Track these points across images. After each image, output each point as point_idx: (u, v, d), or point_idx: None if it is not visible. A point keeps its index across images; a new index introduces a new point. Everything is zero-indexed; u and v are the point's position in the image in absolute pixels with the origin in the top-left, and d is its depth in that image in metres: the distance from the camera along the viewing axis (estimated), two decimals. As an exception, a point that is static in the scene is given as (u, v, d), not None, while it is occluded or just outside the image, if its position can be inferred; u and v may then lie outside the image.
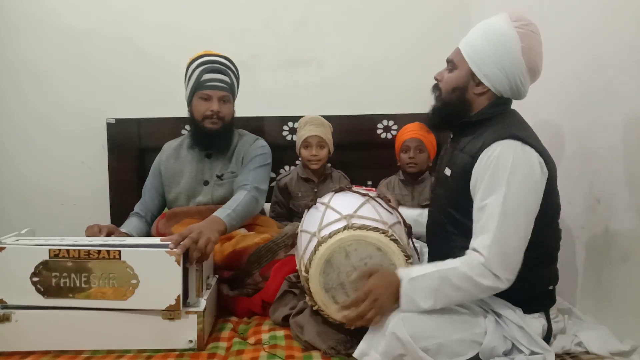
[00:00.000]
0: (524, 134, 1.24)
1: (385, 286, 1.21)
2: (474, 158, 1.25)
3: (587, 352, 1.29)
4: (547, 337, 1.30)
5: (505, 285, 1.18)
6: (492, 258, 1.15)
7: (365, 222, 1.33)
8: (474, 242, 1.20)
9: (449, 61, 1.37)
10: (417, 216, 1.64)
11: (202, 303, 1.40)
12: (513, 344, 1.25)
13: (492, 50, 1.27)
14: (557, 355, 1.25)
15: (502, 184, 1.18)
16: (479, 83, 1.31)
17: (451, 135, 1.45)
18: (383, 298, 1.19)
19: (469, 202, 1.26)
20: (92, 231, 1.64)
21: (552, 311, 1.34)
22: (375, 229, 1.31)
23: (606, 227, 1.45)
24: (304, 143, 2.12)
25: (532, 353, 1.22)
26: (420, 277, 1.20)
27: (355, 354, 1.21)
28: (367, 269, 1.27)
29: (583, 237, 1.55)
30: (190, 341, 1.36)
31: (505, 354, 1.23)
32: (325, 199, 1.52)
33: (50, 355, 1.32)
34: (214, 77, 1.85)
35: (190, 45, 2.01)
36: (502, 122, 1.29)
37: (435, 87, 1.41)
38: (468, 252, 1.21)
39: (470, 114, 1.35)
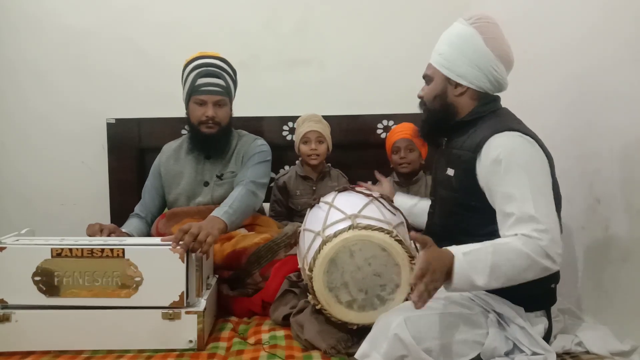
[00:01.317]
0: (520, 127, 1.28)
1: (442, 261, 1.11)
2: (475, 152, 1.27)
3: (587, 352, 1.29)
4: (547, 336, 1.30)
5: (558, 267, 1.16)
6: (546, 239, 1.12)
7: (370, 222, 1.34)
8: (519, 229, 1.14)
9: (424, 76, 1.44)
10: (412, 207, 1.65)
11: (202, 303, 1.40)
12: (514, 344, 1.25)
13: (457, 50, 1.34)
14: (557, 355, 1.25)
15: (521, 170, 1.18)
16: (457, 85, 1.36)
17: (446, 139, 1.47)
18: (439, 272, 1.10)
19: (476, 199, 1.27)
20: (94, 229, 1.65)
21: (553, 310, 1.34)
22: (380, 229, 1.31)
23: (606, 227, 1.44)
24: (303, 138, 2.13)
25: (534, 353, 1.21)
26: (473, 251, 1.14)
27: (357, 355, 1.21)
28: (426, 238, 1.15)
29: (583, 237, 1.55)
30: (190, 341, 1.36)
31: (507, 354, 1.23)
32: (328, 198, 1.52)
33: (50, 355, 1.32)
34: (208, 82, 1.85)
35: (190, 45, 2.01)
36: (496, 118, 1.33)
37: (421, 103, 1.47)
38: (515, 235, 1.15)
39: (458, 115, 1.39)
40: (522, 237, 1.14)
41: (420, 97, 1.47)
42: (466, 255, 1.13)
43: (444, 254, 1.13)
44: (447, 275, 1.12)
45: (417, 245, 1.46)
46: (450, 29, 1.38)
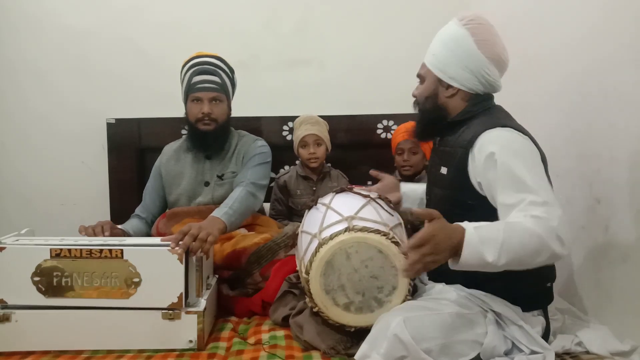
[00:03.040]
0: (512, 123, 1.28)
1: (448, 234, 1.07)
2: (467, 149, 1.28)
3: (587, 352, 1.29)
4: (546, 335, 1.30)
5: (567, 252, 1.10)
6: (557, 219, 1.08)
7: (367, 224, 1.33)
8: (529, 211, 1.10)
9: (418, 76, 1.45)
10: (423, 193, 1.62)
11: (202, 303, 1.40)
12: (513, 344, 1.25)
13: (449, 52, 1.34)
14: (557, 355, 1.25)
15: (517, 160, 1.17)
16: (448, 86, 1.37)
17: (438, 138, 1.49)
18: (443, 245, 1.06)
19: (470, 196, 1.27)
20: (87, 232, 1.63)
21: (550, 309, 1.35)
22: (377, 231, 1.31)
23: (606, 227, 1.44)
24: (301, 142, 2.13)
25: (532, 352, 1.22)
26: (484, 226, 1.09)
27: (357, 356, 1.20)
28: (431, 211, 1.11)
29: (583, 237, 1.55)
30: (190, 341, 1.36)
31: (506, 353, 1.23)
32: (326, 199, 1.52)
33: (50, 355, 1.32)
34: (203, 79, 1.86)
35: (190, 45, 2.01)
36: (489, 115, 1.33)
37: (415, 102, 1.49)
38: (526, 216, 1.10)
39: (449, 116, 1.40)
40: (532, 217, 1.09)
41: (414, 96, 1.48)
42: (477, 230, 1.08)
43: (453, 228, 1.09)
44: (453, 252, 1.08)
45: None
46: (444, 29, 1.38)
